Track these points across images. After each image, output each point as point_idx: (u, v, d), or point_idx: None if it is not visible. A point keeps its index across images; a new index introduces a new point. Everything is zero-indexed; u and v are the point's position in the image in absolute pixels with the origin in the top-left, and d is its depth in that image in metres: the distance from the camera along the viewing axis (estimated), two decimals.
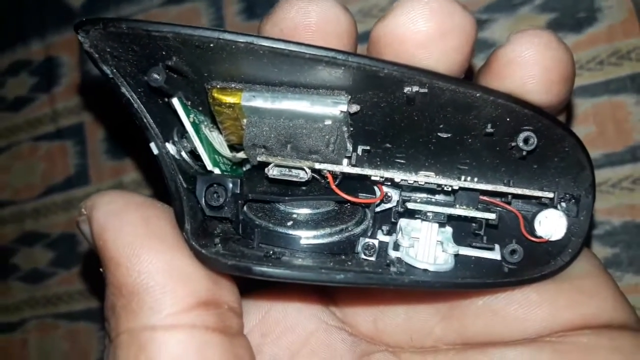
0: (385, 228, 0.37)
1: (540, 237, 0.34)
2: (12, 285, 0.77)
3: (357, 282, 0.31)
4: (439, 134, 0.33)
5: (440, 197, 0.37)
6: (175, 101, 0.33)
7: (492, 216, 0.34)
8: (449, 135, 0.33)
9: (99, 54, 0.31)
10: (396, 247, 0.35)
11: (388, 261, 0.34)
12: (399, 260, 0.34)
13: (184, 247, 0.31)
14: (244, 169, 0.39)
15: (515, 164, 0.34)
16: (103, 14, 0.73)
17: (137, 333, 0.29)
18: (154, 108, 0.33)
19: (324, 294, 0.39)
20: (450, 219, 0.35)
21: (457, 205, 0.35)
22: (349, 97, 0.31)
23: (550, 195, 0.34)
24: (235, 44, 0.29)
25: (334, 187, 0.34)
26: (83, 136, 0.74)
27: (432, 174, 0.35)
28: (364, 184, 0.36)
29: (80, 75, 0.74)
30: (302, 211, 0.35)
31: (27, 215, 0.77)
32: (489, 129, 0.32)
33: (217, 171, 0.35)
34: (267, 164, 0.33)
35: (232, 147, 0.36)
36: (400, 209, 0.36)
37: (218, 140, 0.36)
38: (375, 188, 0.36)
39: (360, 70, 0.29)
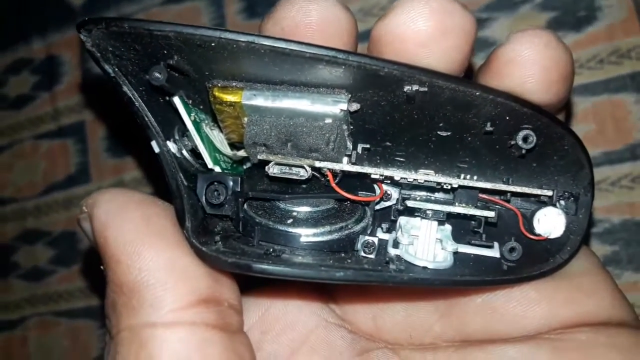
0: (384, 226, 0.37)
1: (539, 235, 0.34)
2: (13, 283, 0.77)
3: (356, 279, 0.31)
4: (438, 132, 0.33)
5: (439, 195, 0.37)
6: (176, 100, 0.33)
7: (491, 214, 0.34)
8: (449, 133, 0.33)
9: (101, 53, 0.31)
10: (396, 244, 0.35)
11: (387, 259, 0.34)
12: (399, 257, 0.34)
13: (184, 244, 0.31)
14: (245, 167, 0.39)
15: (515, 162, 0.34)
16: (104, 13, 0.73)
17: (138, 330, 0.29)
18: (155, 106, 0.33)
19: (323, 291, 0.39)
20: (450, 217, 0.35)
21: (457, 203, 0.35)
22: (349, 95, 0.31)
23: (549, 193, 0.34)
24: (236, 43, 0.29)
25: (334, 185, 0.34)
26: (84, 134, 0.74)
27: (432, 172, 0.35)
28: (363, 182, 0.36)
29: (81, 74, 0.75)
30: (302, 209, 0.35)
31: (28, 213, 0.77)
32: (489, 128, 0.32)
33: (217, 169, 0.35)
34: (267, 162, 0.33)
35: (233, 146, 0.36)
36: (400, 207, 0.36)
37: (219, 139, 0.36)
38: (375, 186, 0.36)
39: (361, 69, 0.29)
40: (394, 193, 0.37)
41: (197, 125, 0.34)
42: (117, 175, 0.72)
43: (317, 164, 0.33)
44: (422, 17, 0.29)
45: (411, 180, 0.34)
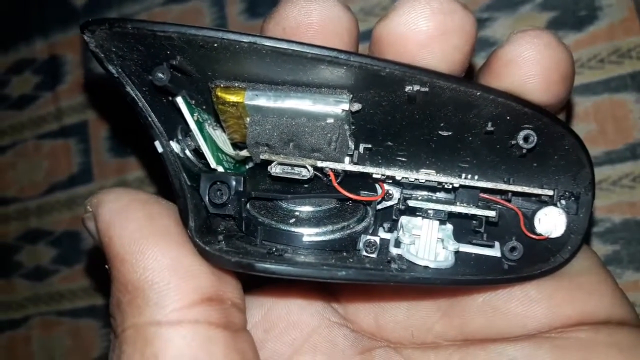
0: (386, 225, 0.37)
1: (540, 235, 0.35)
2: (16, 283, 0.77)
3: (358, 278, 0.31)
4: (439, 132, 0.33)
5: (441, 195, 0.37)
6: (179, 100, 0.33)
7: (492, 214, 0.34)
8: (450, 133, 0.33)
9: (105, 53, 0.31)
10: (397, 244, 0.35)
11: (389, 258, 0.34)
12: (400, 257, 0.34)
13: (188, 244, 0.31)
14: (247, 167, 0.39)
15: (516, 162, 0.34)
16: (105, 13, 0.73)
17: (143, 328, 0.29)
18: (159, 107, 0.33)
19: (326, 290, 0.39)
20: (451, 217, 0.35)
21: (458, 203, 0.35)
22: (351, 95, 0.31)
23: (550, 192, 0.34)
24: (238, 43, 0.29)
25: (335, 184, 0.34)
26: (86, 134, 0.75)
27: (433, 171, 0.35)
28: (365, 181, 0.36)
29: (83, 74, 0.75)
30: (305, 209, 0.36)
31: (31, 213, 0.77)
32: (490, 128, 0.32)
33: (220, 169, 0.35)
34: (269, 162, 0.33)
35: (236, 145, 0.37)
36: (402, 207, 0.36)
37: (221, 139, 0.36)
38: (377, 186, 0.36)
39: (362, 69, 0.29)
40: (396, 193, 0.37)
41: (200, 125, 0.34)
42: (120, 175, 0.72)
43: (319, 163, 0.33)
44: (423, 18, 0.29)
45: (412, 180, 0.34)
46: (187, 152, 0.35)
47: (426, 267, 0.33)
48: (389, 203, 0.37)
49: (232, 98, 0.32)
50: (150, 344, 0.29)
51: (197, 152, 0.35)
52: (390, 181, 0.36)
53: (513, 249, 0.35)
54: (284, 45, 0.29)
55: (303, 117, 0.32)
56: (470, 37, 0.31)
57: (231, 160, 0.37)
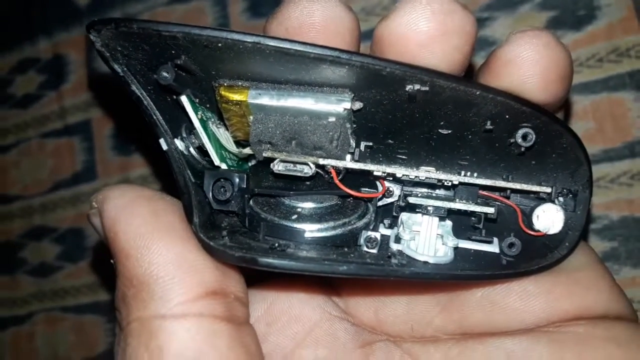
0: (387, 222, 0.38)
1: (538, 231, 0.35)
2: (21, 279, 0.78)
3: (359, 273, 0.32)
4: (439, 130, 0.34)
5: (440, 192, 0.38)
6: (184, 99, 0.34)
7: (491, 210, 0.35)
8: (450, 131, 0.34)
9: (110, 52, 0.32)
10: (397, 240, 0.36)
11: (389, 253, 0.35)
12: (400, 252, 0.35)
13: (192, 239, 0.32)
14: (250, 164, 0.39)
15: (514, 159, 0.35)
16: (109, 13, 0.74)
17: (148, 321, 0.30)
18: (163, 105, 0.34)
19: (327, 285, 0.40)
20: (450, 213, 0.36)
21: (457, 200, 0.36)
22: (352, 94, 0.32)
23: (548, 190, 0.35)
24: (242, 43, 0.29)
25: (337, 182, 0.34)
26: (90, 133, 0.75)
27: (433, 169, 0.36)
28: (366, 179, 0.36)
29: (87, 73, 0.75)
30: (307, 205, 0.36)
31: (35, 210, 0.78)
32: (489, 126, 0.32)
33: (224, 166, 0.35)
34: (272, 160, 0.34)
35: (239, 143, 0.37)
36: (402, 203, 0.36)
37: (225, 137, 0.36)
38: (378, 183, 0.37)
39: (364, 68, 0.30)
40: (396, 190, 0.37)
41: (204, 123, 0.35)
42: (123, 173, 0.73)
43: (321, 161, 0.33)
44: (424, 18, 0.30)
45: (413, 177, 0.35)
46: (191, 149, 0.35)
47: (426, 262, 0.34)
48: (389, 200, 0.37)
49: (235, 97, 0.33)
50: (155, 337, 0.29)
51: (201, 149, 0.35)
52: (391, 178, 0.36)
53: (511, 245, 0.35)
54: (287, 45, 0.29)
55: (305, 116, 0.32)
56: (470, 37, 0.31)
57: (234, 157, 0.38)
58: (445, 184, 0.35)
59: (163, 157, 0.34)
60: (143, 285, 0.30)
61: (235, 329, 0.31)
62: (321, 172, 0.35)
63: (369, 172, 0.35)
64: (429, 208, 0.35)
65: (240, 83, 0.33)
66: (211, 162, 0.35)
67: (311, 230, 0.34)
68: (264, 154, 0.34)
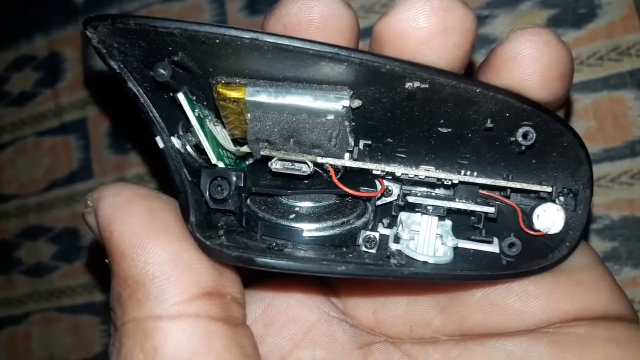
0: (385, 221, 0.37)
1: (539, 231, 0.35)
2: (16, 279, 0.77)
3: (357, 273, 0.32)
4: (439, 128, 0.33)
5: (440, 191, 0.37)
6: (180, 96, 0.33)
7: (491, 210, 0.34)
8: (449, 130, 0.33)
9: (107, 49, 0.31)
10: (396, 239, 0.36)
11: (388, 253, 0.34)
12: (399, 252, 0.35)
13: (188, 238, 0.31)
14: (248, 162, 0.39)
15: (515, 158, 0.35)
16: (105, 10, 0.73)
17: (143, 322, 0.30)
18: (160, 102, 0.33)
19: (325, 285, 0.39)
20: (450, 213, 0.35)
21: (457, 199, 0.35)
22: (351, 92, 0.31)
23: (549, 189, 0.35)
24: (240, 40, 0.29)
25: (335, 180, 0.34)
26: (86, 131, 0.75)
27: (433, 168, 0.36)
28: (365, 177, 0.36)
29: (83, 71, 0.75)
30: (305, 204, 0.36)
31: (30, 209, 0.77)
32: (489, 124, 0.32)
33: (221, 165, 0.35)
34: (270, 158, 0.34)
35: (236, 141, 0.37)
36: (401, 203, 0.36)
37: (222, 135, 0.36)
38: (377, 182, 0.37)
39: (363, 66, 0.30)
40: (395, 189, 0.37)
41: (200, 121, 0.34)
42: (120, 172, 0.73)
43: (320, 159, 0.33)
44: (424, 15, 0.30)
45: (412, 176, 0.34)
46: (188, 147, 0.35)
47: (425, 262, 0.34)
48: (388, 199, 0.37)
49: (233, 94, 0.32)
50: (150, 338, 0.29)
51: (198, 147, 0.35)
52: (390, 177, 0.36)
53: (511, 245, 0.35)
54: (286, 42, 0.29)
55: (304, 114, 0.32)
56: (471, 34, 0.31)
57: (232, 156, 0.37)
58: (445, 183, 0.35)
59: (159, 156, 0.33)
60: (138, 285, 0.30)
61: (231, 329, 0.31)
62: (319, 171, 0.34)
63: (368, 171, 0.34)
64: (428, 207, 0.35)
65: (237, 80, 0.32)
66: (208, 160, 0.35)
67: (309, 229, 0.34)
68: (262, 152, 0.33)
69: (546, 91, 0.32)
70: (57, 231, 0.76)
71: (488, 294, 0.35)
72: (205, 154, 0.35)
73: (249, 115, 0.33)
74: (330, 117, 0.32)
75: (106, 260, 0.32)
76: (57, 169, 0.76)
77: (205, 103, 0.36)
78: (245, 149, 0.36)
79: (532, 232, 0.35)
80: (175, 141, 0.34)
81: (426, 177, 0.34)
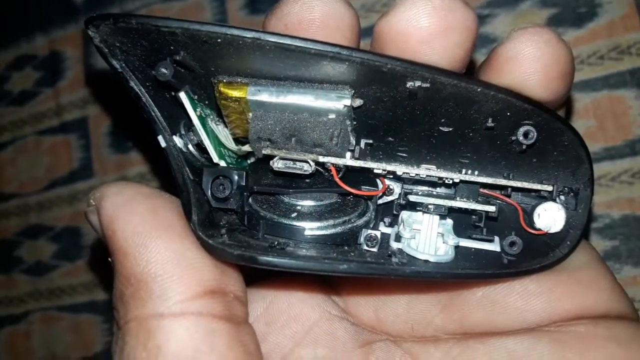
0: (387, 220, 0.37)
1: (539, 230, 0.35)
2: (17, 278, 0.77)
3: (359, 272, 0.32)
4: (440, 128, 0.33)
5: (441, 190, 0.37)
6: (182, 95, 0.33)
7: (492, 209, 0.35)
8: (450, 129, 0.33)
9: (109, 48, 0.31)
10: (398, 238, 0.36)
11: (390, 252, 0.34)
12: (401, 251, 0.35)
13: (191, 237, 0.31)
14: (249, 161, 0.39)
15: (515, 157, 0.35)
16: (106, 9, 0.73)
17: (146, 320, 0.30)
18: (162, 101, 0.33)
19: (327, 284, 0.39)
20: (451, 211, 0.35)
21: (458, 198, 0.35)
22: (353, 91, 0.32)
23: (550, 188, 0.35)
24: (242, 39, 0.29)
25: (337, 179, 0.34)
26: (87, 130, 0.75)
27: (434, 167, 0.36)
28: (366, 176, 0.36)
29: (84, 70, 0.75)
30: (306, 203, 0.36)
31: (31, 208, 0.77)
32: (490, 123, 0.32)
33: (223, 164, 0.35)
34: (272, 157, 0.34)
35: (238, 140, 0.37)
36: (402, 202, 0.36)
37: (224, 134, 0.36)
38: (378, 181, 0.37)
39: (364, 65, 0.30)
40: (396, 188, 0.37)
41: (202, 120, 0.34)
42: (120, 171, 0.73)
43: (321, 158, 0.33)
44: (425, 14, 0.30)
45: (413, 175, 0.34)
46: (190, 146, 0.35)
47: (426, 261, 0.34)
48: (389, 198, 0.37)
49: (234, 93, 0.32)
50: (153, 336, 0.29)
51: (200, 146, 0.35)
52: (391, 176, 0.36)
53: (512, 243, 0.35)
54: (288, 41, 0.29)
55: (305, 113, 0.32)
56: (471, 33, 0.31)
57: (233, 155, 0.37)
58: (446, 182, 0.35)
59: (161, 155, 0.34)
60: (141, 283, 0.30)
61: (234, 328, 0.31)
62: (321, 170, 0.35)
63: (369, 170, 0.34)
64: (429, 206, 0.35)
65: (239, 79, 0.32)
66: (210, 159, 0.35)
67: (311, 228, 0.34)
68: (264, 152, 0.33)
69: (547, 90, 0.32)
70: (57, 230, 0.76)
71: (489, 292, 0.35)
72: (207, 153, 0.35)
73: (250, 114, 0.33)
74: (332, 116, 0.32)
75: (109, 259, 0.32)
76: (58, 168, 0.76)
77: (207, 102, 0.36)
78: (246, 148, 0.36)
79: (533, 231, 0.35)
80: (177, 140, 0.34)
81: (427, 176, 0.34)
